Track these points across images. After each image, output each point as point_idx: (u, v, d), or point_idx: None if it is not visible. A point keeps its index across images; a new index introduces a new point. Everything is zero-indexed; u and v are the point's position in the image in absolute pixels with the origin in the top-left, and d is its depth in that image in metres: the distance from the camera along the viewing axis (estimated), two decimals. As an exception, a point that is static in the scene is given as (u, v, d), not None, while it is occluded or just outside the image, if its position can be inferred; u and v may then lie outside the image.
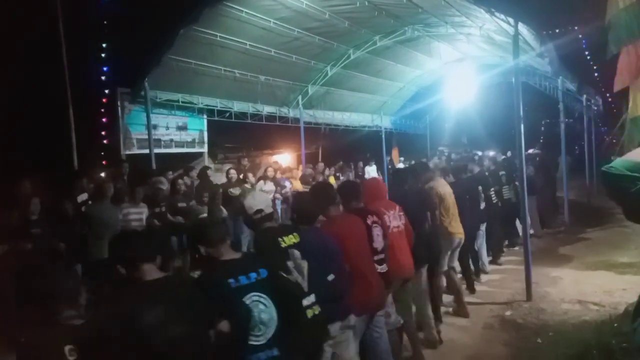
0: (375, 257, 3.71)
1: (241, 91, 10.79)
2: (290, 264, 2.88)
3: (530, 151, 13.33)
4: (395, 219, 4.19)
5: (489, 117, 20.31)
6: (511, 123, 6.38)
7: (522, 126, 6.11)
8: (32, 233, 5.64)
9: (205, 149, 12.05)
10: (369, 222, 3.73)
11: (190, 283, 2.43)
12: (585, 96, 12.56)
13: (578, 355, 4.29)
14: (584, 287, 6.41)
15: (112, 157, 9.83)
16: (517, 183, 7.61)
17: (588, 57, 23.58)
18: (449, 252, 5.51)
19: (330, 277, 3.10)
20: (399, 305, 4.28)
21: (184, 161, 11.55)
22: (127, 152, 9.74)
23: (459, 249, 5.72)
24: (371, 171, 13.90)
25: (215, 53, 9.10)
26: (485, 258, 7.31)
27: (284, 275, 2.77)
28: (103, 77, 12.86)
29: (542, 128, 30.12)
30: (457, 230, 5.54)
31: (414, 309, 4.71)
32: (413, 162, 14.90)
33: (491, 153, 15.07)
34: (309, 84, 12.14)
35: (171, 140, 10.80)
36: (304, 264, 2.91)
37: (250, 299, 2.44)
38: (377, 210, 3.96)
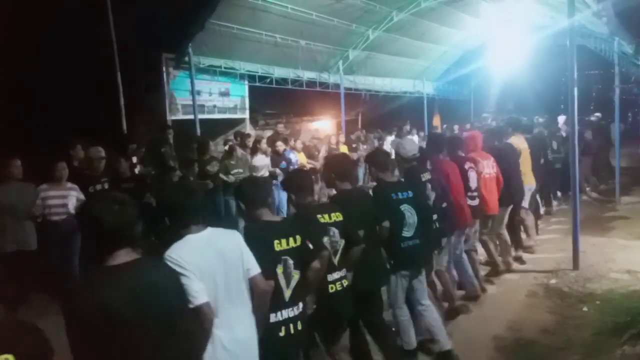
0: (469, 194, 5.06)
1: (282, 56, 10.74)
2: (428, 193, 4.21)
3: (596, 116, 13.00)
4: (488, 167, 5.39)
5: (537, 82, 19.44)
6: (560, 88, 6.18)
7: (575, 90, 5.86)
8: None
9: (246, 115, 12.14)
10: (465, 166, 5.07)
11: (368, 195, 3.90)
12: (643, 59, 11.81)
13: (626, 324, 4.21)
14: (634, 256, 6.23)
15: (158, 123, 9.98)
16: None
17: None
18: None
19: (444, 205, 4.44)
20: (481, 233, 5.60)
21: (227, 127, 11.72)
22: (173, 118, 9.90)
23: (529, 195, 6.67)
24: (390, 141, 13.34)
25: (256, 17, 9.06)
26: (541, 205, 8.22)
27: (424, 197, 4.11)
28: (147, 42, 12.97)
29: (594, 94, 28.77)
30: (530, 179, 6.52)
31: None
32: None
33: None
34: (350, 48, 11.95)
35: (214, 106, 10.90)
36: (432, 194, 4.27)
37: (404, 207, 3.82)
38: (474, 159, 5.31)
